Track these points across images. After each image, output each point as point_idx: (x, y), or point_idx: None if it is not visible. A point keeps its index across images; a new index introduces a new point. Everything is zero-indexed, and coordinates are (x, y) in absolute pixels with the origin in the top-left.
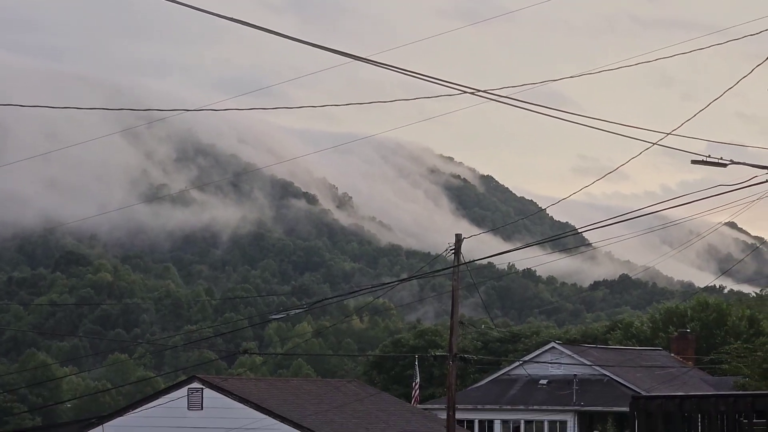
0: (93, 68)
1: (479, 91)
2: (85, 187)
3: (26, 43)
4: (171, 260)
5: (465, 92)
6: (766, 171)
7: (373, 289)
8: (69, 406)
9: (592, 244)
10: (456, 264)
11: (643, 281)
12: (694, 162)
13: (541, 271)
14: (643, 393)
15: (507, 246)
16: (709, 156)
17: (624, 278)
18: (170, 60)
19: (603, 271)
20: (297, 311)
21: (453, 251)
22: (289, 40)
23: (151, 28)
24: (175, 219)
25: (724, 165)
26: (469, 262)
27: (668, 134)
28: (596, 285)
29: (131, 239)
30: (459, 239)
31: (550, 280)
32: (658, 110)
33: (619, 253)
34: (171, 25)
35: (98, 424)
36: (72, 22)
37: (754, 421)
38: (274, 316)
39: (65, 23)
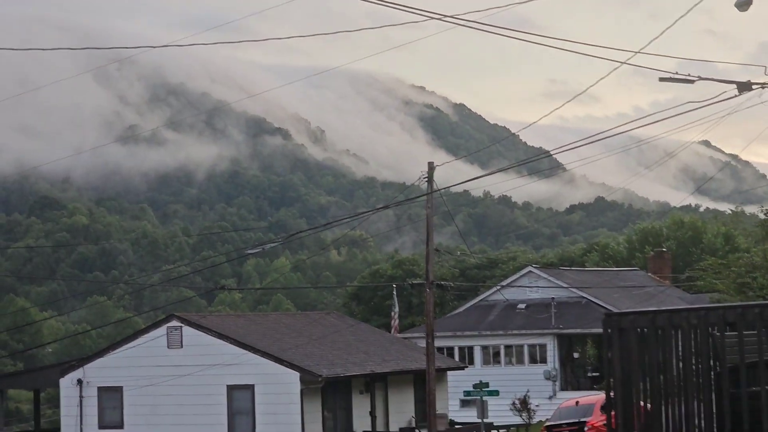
0: (61, 11)
1: (445, 16)
2: (59, 132)
3: None
4: (146, 201)
5: (431, 18)
6: (734, 86)
7: (348, 219)
8: (50, 350)
9: (564, 166)
10: (429, 191)
11: (619, 203)
12: (662, 79)
13: (517, 197)
14: None
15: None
16: (677, 73)
17: (600, 201)
18: (137, 0)
19: (580, 194)
20: (272, 245)
21: (426, 179)
22: None
23: None
24: (149, 160)
25: (692, 81)
26: (442, 189)
27: (636, 53)
28: (572, 209)
29: (105, 181)
30: (431, 167)
31: (526, 206)
32: (626, 31)
33: (595, 176)
34: None
35: (79, 366)
36: None
37: (726, 332)
38: (249, 251)
39: None
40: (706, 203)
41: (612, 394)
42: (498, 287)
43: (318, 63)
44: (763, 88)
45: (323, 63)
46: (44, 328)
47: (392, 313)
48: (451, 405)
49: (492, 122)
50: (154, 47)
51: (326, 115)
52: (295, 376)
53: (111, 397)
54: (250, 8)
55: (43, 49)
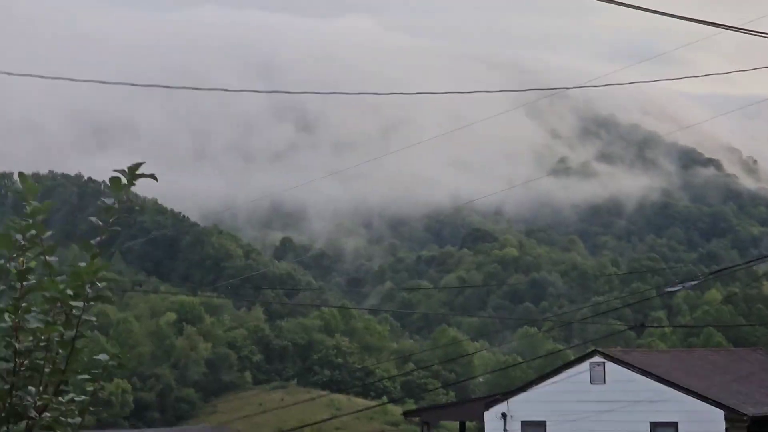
0: (490, 47)
1: None
2: (491, 165)
3: (423, 25)
4: (576, 232)
5: None
6: None
7: None
8: (481, 380)
9: None
10: None
11: None
12: None
13: None
14: None
15: None
16: None
17: None
18: (564, 32)
19: None
20: (694, 283)
21: None
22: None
23: (536, 1)
24: (580, 192)
25: None
26: None
27: None
28: None
29: (536, 213)
30: None
31: None
32: None
33: None
34: None
35: (503, 400)
36: (464, 2)
37: None
38: (670, 289)
39: (457, 3)
40: None
41: None
42: None
43: (750, 92)
44: None
45: (756, 92)
46: (475, 359)
47: None
48: None
49: None
50: (592, 86)
51: (759, 145)
52: (720, 414)
53: (534, 431)
54: (679, 39)
55: (478, 92)
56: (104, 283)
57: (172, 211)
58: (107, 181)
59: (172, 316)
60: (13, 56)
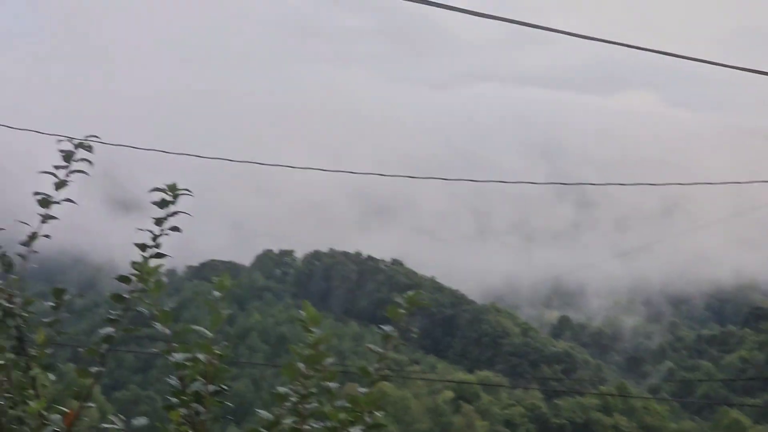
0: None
1: None
2: None
3: (706, 99)
4: None
5: None
6: None
7: None
8: None
9: None
10: None
11: None
12: None
13: None
14: None
15: None
16: None
17: None
18: None
19: None
20: None
21: None
22: None
23: None
24: None
25: None
26: None
27: None
28: None
29: None
30: None
31: None
32: None
33: None
34: None
35: None
36: (748, 76)
37: None
38: None
39: (742, 77)
40: None
41: None
42: None
43: None
44: None
45: None
46: None
47: None
48: None
49: None
50: None
51: None
52: None
53: None
54: None
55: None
56: (381, 412)
57: (449, 288)
58: (386, 260)
59: (449, 393)
60: (297, 143)
